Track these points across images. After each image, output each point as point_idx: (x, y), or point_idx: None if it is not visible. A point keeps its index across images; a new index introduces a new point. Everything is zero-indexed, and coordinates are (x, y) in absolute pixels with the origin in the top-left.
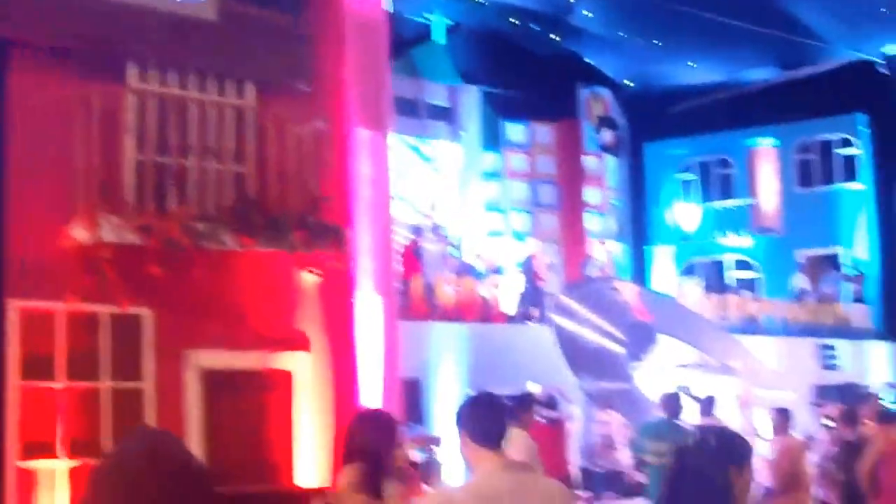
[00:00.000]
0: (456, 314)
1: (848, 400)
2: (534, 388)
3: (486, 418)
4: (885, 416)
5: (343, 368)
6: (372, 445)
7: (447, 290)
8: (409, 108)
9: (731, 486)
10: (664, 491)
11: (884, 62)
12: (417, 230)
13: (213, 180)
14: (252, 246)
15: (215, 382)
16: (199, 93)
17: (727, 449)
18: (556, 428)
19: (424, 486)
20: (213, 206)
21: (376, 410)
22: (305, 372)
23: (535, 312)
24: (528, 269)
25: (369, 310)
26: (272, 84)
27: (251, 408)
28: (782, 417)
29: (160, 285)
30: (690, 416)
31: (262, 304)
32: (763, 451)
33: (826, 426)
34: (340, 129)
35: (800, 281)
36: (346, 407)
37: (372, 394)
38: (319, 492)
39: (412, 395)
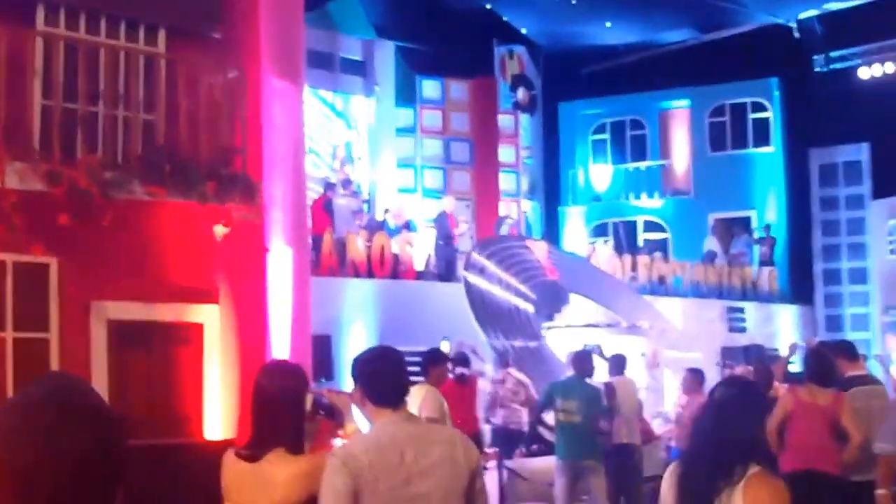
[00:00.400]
0: (367, 270)
1: (753, 361)
2: (445, 346)
3: (384, 380)
4: (793, 377)
5: (254, 322)
6: (281, 395)
7: (358, 246)
8: (322, 62)
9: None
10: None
11: (797, 28)
12: (329, 185)
13: (122, 128)
14: (162, 196)
15: (123, 334)
16: (110, 38)
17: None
18: (467, 385)
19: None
20: (122, 155)
21: (283, 360)
22: (215, 324)
23: (447, 270)
24: (441, 226)
25: (281, 263)
26: (184, 31)
27: (160, 360)
28: (695, 377)
29: (67, 234)
30: (600, 375)
31: (171, 256)
32: (669, 410)
33: None
34: (253, 80)
35: (709, 243)
36: (255, 360)
37: (282, 348)
38: (229, 444)
39: (322, 351)
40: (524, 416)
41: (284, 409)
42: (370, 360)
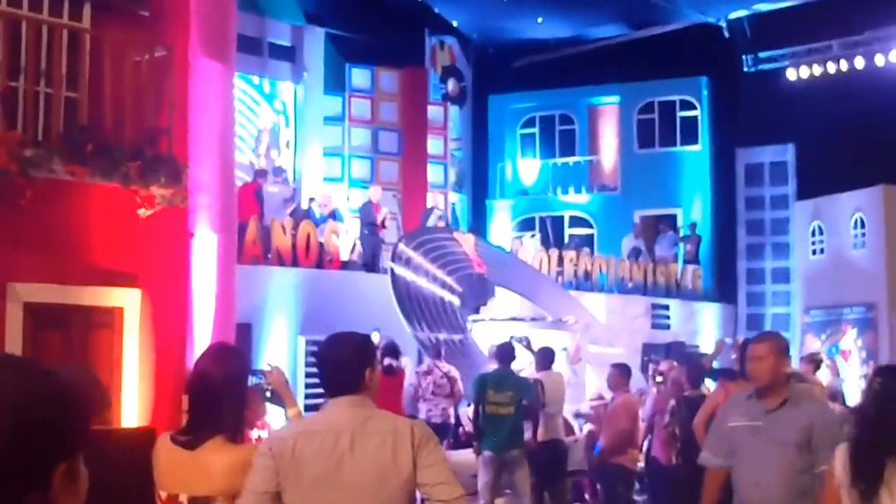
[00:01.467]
0: (292, 259)
1: (681, 357)
2: (376, 337)
3: (332, 367)
4: (723, 373)
5: (176, 307)
6: (222, 381)
7: (283, 235)
8: (251, 46)
9: None
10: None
11: (727, 27)
12: (260, 172)
13: (44, 105)
14: (83, 176)
15: (40, 317)
16: (32, 11)
17: None
18: (395, 377)
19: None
20: (42, 133)
21: (224, 343)
22: (136, 309)
23: (372, 260)
24: (366, 215)
25: (206, 249)
26: (111, 7)
27: (78, 344)
28: (622, 373)
29: None
30: (527, 368)
31: (92, 238)
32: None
33: (657, 383)
34: (181, 59)
35: (630, 241)
36: (177, 347)
37: (204, 335)
38: (147, 431)
39: (244, 339)
40: (450, 409)
41: (225, 395)
42: (324, 346)
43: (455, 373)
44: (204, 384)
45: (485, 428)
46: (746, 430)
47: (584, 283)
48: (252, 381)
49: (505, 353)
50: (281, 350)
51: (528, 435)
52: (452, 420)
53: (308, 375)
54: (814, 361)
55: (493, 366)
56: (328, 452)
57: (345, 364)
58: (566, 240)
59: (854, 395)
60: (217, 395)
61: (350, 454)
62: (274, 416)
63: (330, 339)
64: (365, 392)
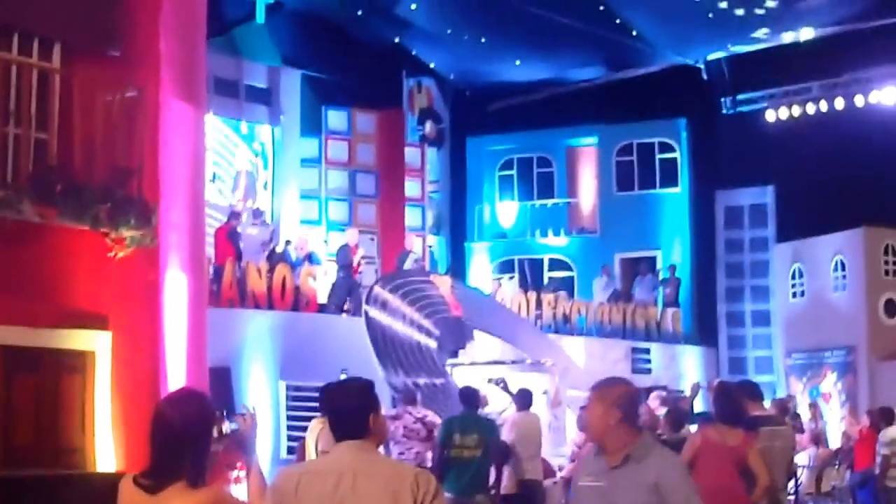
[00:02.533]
0: (268, 302)
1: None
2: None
3: (341, 415)
4: (699, 417)
5: (147, 350)
6: (183, 426)
7: (259, 278)
8: (228, 89)
9: None
10: None
11: (705, 69)
12: (234, 213)
13: (12, 146)
14: (53, 218)
15: (10, 360)
16: (1, 51)
17: None
18: None
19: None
20: (11, 174)
21: (188, 388)
22: (107, 352)
23: (349, 303)
24: (343, 259)
25: (177, 290)
26: (81, 47)
27: (48, 388)
28: None
29: None
30: (505, 410)
31: (62, 280)
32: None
33: None
34: (152, 100)
35: (613, 283)
36: (149, 389)
37: (177, 377)
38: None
39: (221, 383)
40: (426, 452)
41: (186, 441)
42: (331, 394)
43: (434, 417)
44: (164, 429)
45: (449, 471)
46: (591, 490)
47: (563, 326)
48: (230, 426)
49: (467, 396)
50: (262, 394)
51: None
52: (428, 464)
53: (290, 419)
54: (782, 407)
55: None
56: (330, 493)
57: (351, 411)
58: (545, 282)
59: (835, 438)
60: (178, 440)
61: (352, 495)
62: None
63: (335, 388)
64: (371, 437)
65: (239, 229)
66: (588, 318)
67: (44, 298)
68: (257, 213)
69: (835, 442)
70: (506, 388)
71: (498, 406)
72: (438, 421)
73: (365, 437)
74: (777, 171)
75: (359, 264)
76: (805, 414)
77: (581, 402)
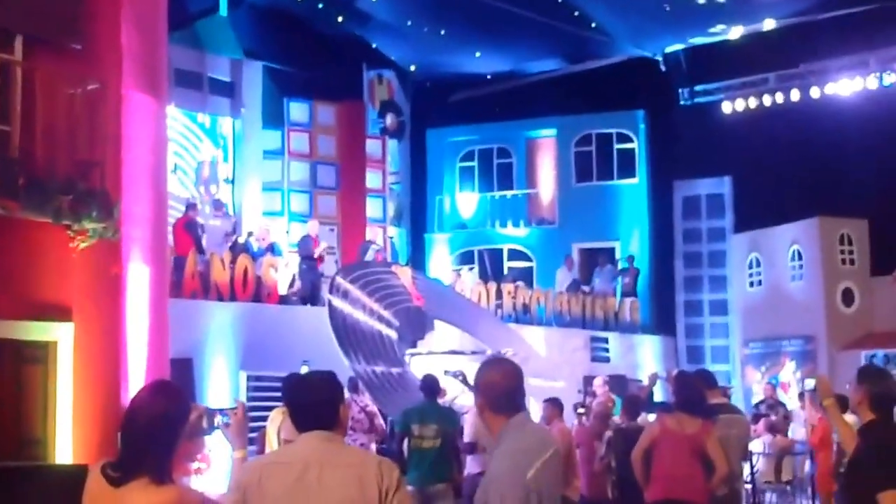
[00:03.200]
0: (230, 293)
1: (615, 391)
2: (305, 370)
3: (303, 409)
4: (661, 406)
5: (109, 341)
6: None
7: (221, 269)
8: (190, 81)
9: None
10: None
11: (663, 61)
12: (191, 205)
13: None
14: (15, 210)
15: None
16: None
17: None
18: None
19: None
20: None
21: (163, 381)
22: (69, 343)
23: (311, 293)
24: (304, 248)
25: (139, 282)
26: (42, 40)
27: (9, 379)
28: (554, 407)
29: None
30: (465, 400)
31: (24, 272)
32: None
33: (579, 415)
34: (114, 93)
35: (561, 274)
36: (111, 381)
37: (139, 369)
38: (80, 468)
39: (184, 374)
40: (371, 444)
41: (154, 435)
42: (293, 389)
43: (373, 407)
44: (134, 421)
45: (409, 461)
46: None
47: (524, 316)
48: (222, 419)
49: (429, 385)
50: (223, 385)
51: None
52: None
53: (251, 409)
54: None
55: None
56: (294, 483)
57: (321, 404)
58: (505, 273)
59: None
60: (145, 434)
61: (318, 486)
62: (218, 452)
63: (301, 380)
64: (338, 428)
65: (200, 220)
66: (548, 307)
67: (6, 290)
68: (219, 205)
69: (799, 432)
70: (464, 381)
71: (452, 394)
72: (377, 410)
73: (333, 429)
74: (734, 161)
75: (321, 255)
76: (795, 403)
77: (543, 392)
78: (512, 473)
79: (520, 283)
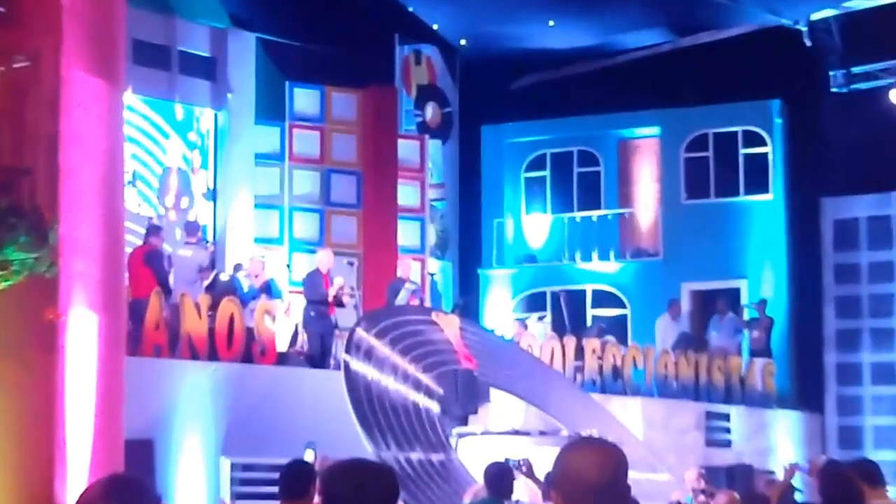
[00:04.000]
0: (209, 350)
1: (743, 487)
2: (310, 456)
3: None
4: None
5: (42, 415)
6: None
7: (197, 316)
8: (154, 58)
9: None
10: None
11: (809, 33)
12: (153, 228)
13: None
14: None
15: None
16: None
17: None
18: None
19: None
20: None
21: (121, 475)
22: None
23: (320, 352)
24: (312, 290)
25: (84, 335)
26: None
27: None
28: None
29: None
30: (529, 498)
31: None
32: None
33: None
34: (51, 73)
35: (680, 324)
36: (43, 467)
37: (82, 454)
38: None
39: (143, 462)
40: None
41: None
42: (329, 480)
43: None
44: None
45: None
46: None
47: (613, 383)
48: None
49: (496, 478)
50: (197, 477)
51: None
52: None
53: None
54: None
55: (481, 494)
56: None
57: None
58: (588, 323)
59: None
60: None
61: None
62: None
63: (338, 470)
64: None
65: (167, 248)
66: (647, 371)
67: None
68: (193, 228)
69: None
70: (530, 474)
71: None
72: None
73: None
74: None
75: (336, 298)
76: None
77: (641, 488)
78: None
79: (609, 337)
